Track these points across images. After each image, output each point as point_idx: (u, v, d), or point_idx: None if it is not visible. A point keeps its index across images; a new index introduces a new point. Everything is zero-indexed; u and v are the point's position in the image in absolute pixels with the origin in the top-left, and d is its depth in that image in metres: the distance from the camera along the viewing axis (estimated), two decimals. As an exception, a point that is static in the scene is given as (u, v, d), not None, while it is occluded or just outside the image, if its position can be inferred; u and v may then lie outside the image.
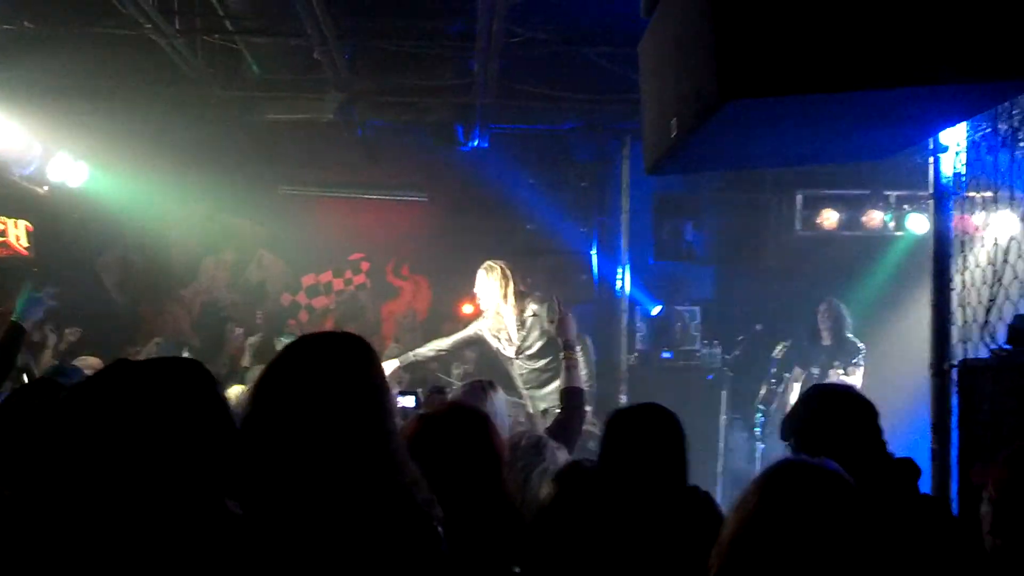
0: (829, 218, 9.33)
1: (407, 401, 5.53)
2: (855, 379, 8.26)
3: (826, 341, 8.63)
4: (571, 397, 4.97)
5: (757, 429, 8.78)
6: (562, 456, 3.77)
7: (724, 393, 9.27)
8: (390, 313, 10.89)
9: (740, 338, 9.37)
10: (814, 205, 9.40)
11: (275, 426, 2.26)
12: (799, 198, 9.44)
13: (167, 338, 9.32)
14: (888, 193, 9.22)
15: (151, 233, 10.34)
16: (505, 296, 6.89)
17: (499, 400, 4.71)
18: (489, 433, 3.13)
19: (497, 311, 6.95)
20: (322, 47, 6.77)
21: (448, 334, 7.37)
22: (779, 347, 8.79)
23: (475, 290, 6.95)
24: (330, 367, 2.37)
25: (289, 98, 8.23)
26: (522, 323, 6.89)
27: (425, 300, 11.03)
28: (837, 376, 8.24)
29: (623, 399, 9.23)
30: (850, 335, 8.58)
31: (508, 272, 6.90)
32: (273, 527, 2.17)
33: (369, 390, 2.39)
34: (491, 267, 6.92)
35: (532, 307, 6.88)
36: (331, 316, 10.68)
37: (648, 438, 3.12)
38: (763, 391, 8.78)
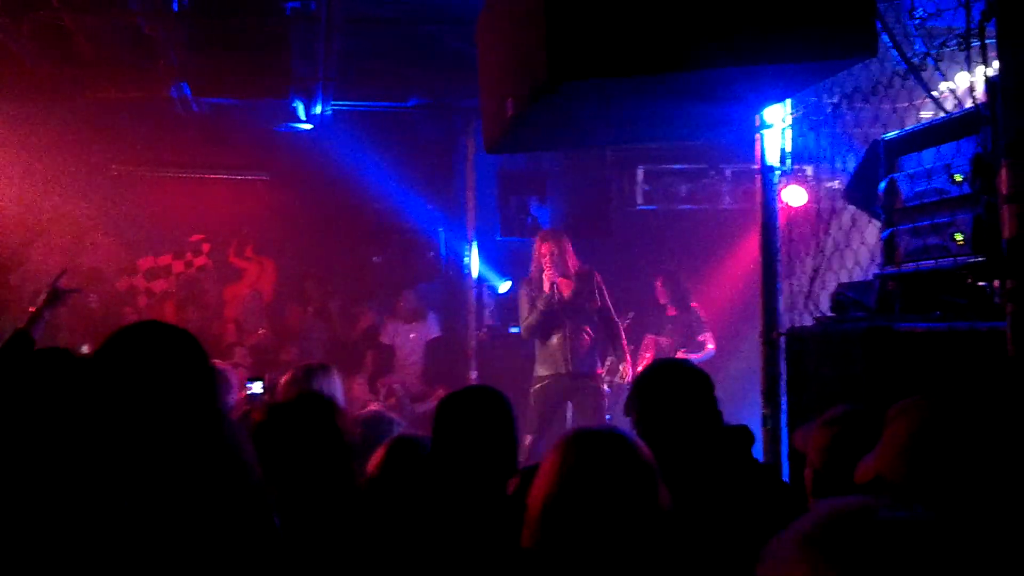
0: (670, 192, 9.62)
1: (255, 387, 5.46)
2: (706, 347, 8.60)
3: (670, 312, 8.92)
4: None
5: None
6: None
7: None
8: (234, 296, 10.65)
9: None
10: (655, 179, 9.65)
11: (99, 423, 2.25)
12: (640, 172, 9.67)
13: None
14: (724, 167, 9.54)
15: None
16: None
17: (336, 381, 4.71)
18: (335, 417, 3.13)
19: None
20: (153, 24, 6.57)
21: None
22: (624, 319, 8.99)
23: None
24: (149, 362, 2.35)
25: (122, 76, 7.96)
26: None
27: (271, 281, 10.83)
28: (685, 350, 8.55)
29: (473, 375, 9.31)
30: (694, 305, 8.89)
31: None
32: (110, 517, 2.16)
33: (189, 382, 2.38)
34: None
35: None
36: (171, 300, 10.38)
37: (476, 421, 3.16)
38: (608, 362, 8.96)
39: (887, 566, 1.18)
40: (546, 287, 7.48)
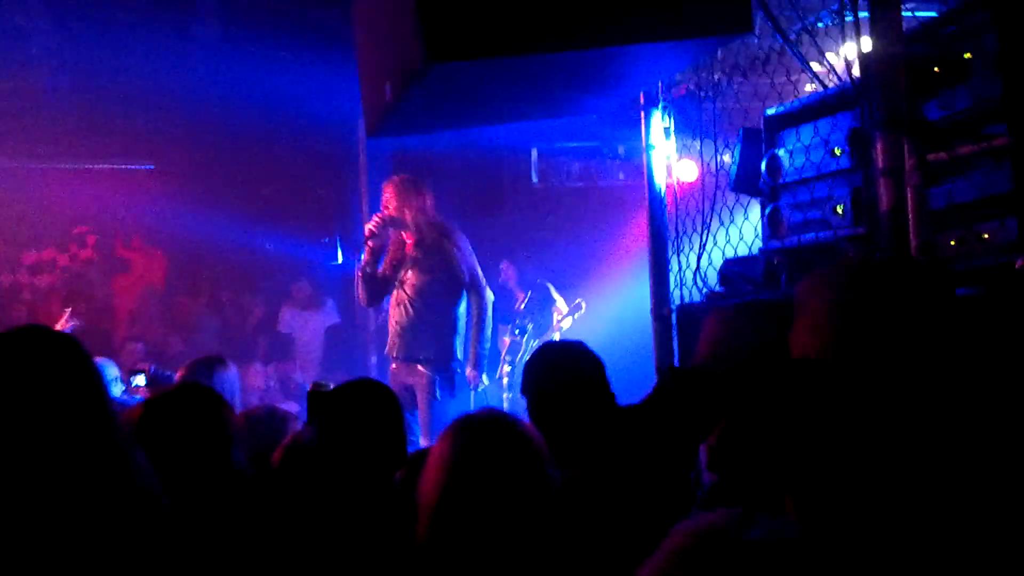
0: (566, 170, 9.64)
1: (138, 379, 5.33)
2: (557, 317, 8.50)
3: (519, 302, 8.79)
4: None
5: (506, 380, 8.96)
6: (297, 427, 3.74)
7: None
8: (123, 288, 10.38)
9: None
10: (549, 158, 9.65)
11: None
12: (534, 152, 9.66)
13: None
14: (617, 144, 9.58)
15: None
16: None
17: (229, 375, 4.59)
18: (219, 410, 3.04)
19: None
20: (25, 13, 6.31)
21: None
22: (524, 297, 8.99)
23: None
24: (25, 369, 2.25)
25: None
26: None
27: (160, 272, 10.58)
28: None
29: (373, 360, 9.22)
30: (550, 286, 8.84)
31: None
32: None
33: (70, 387, 2.29)
34: None
35: None
36: (58, 295, 10.05)
37: (360, 416, 3.11)
38: (508, 342, 8.96)
39: None
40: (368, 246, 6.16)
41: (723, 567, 1.16)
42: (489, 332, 6.25)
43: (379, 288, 6.26)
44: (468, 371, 6.15)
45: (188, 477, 2.84)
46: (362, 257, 6.19)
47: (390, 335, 6.25)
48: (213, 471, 2.91)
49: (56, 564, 2.09)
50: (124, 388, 5.34)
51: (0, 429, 2.17)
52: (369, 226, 6.13)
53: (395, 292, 6.18)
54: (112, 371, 5.18)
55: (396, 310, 6.19)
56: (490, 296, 6.28)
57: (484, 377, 6.21)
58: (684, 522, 1.26)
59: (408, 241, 6.13)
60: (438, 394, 6.01)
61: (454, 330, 6.15)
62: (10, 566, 2.07)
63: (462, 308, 6.17)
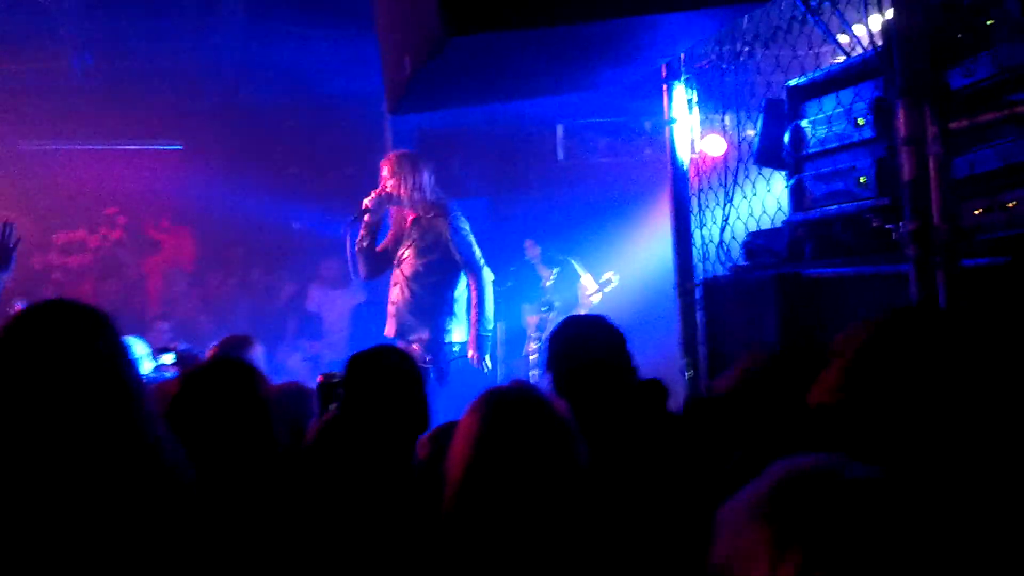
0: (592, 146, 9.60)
1: (166, 358, 5.38)
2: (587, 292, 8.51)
3: (545, 279, 8.81)
4: None
5: (533, 357, 8.97)
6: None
7: (500, 324, 9.41)
8: (153, 268, 10.46)
9: (512, 268, 9.51)
10: (574, 134, 9.60)
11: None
12: (560, 128, 9.62)
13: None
14: (643, 119, 9.52)
15: None
16: None
17: (259, 352, 4.65)
18: (255, 384, 3.07)
19: None
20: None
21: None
22: (551, 274, 8.98)
23: None
24: (52, 343, 2.28)
25: (19, 48, 7.70)
26: None
27: (190, 251, 10.65)
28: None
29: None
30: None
31: None
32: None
33: (97, 361, 2.31)
34: None
35: None
36: (89, 275, 10.16)
37: (383, 381, 3.13)
38: (537, 320, 8.96)
39: (856, 531, 1.13)
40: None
41: (831, 500, 1.16)
42: (490, 313, 6.04)
43: (378, 263, 6.12)
44: (470, 353, 5.98)
45: (228, 451, 2.87)
46: (358, 232, 6.05)
47: (387, 315, 6.15)
48: (253, 445, 2.94)
49: (79, 536, 2.12)
50: (155, 365, 5.40)
51: (23, 399, 2.20)
52: (365, 201, 5.99)
53: (393, 271, 6.07)
54: (142, 348, 5.23)
55: (393, 290, 6.09)
56: (489, 276, 6.09)
57: (488, 359, 6.03)
58: (782, 461, 1.25)
59: (408, 218, 6.02)
60: (431, 375, 5.72)
61: (450, 311, 6.00)
62: (31, 538, 2.10)
63: (459, 290, 6.03)
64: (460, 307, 6.03)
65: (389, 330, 6.08)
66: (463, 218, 6.02)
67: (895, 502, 1.17)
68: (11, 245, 5.00)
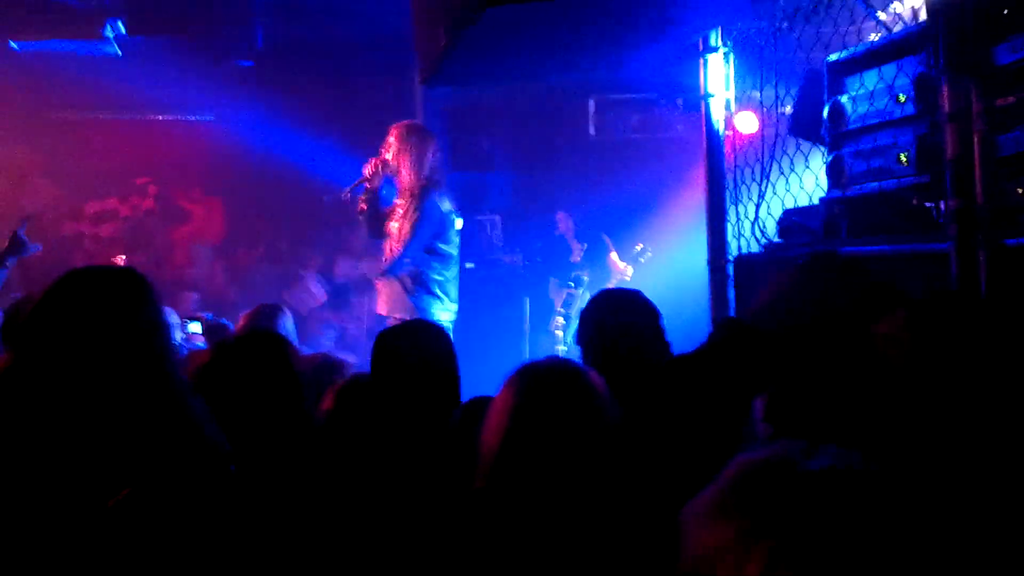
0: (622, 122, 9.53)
1: (193, 327, 5.40)
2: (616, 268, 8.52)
3: (575, 256, 8.79)
4: None
5: (560, 332, 8.95)
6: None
7: (527, 299, 9.39)
8: (182, 237, 10.51)
9: (538, 244, 9.49)
10: (605, 109, 9.53)
11: (47, 375, 2.18)
12: (591, 103, 9.55)
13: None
14: (676, 96, 9.43)
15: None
16: None
17: (289, 322, 4.64)
18: (288, 355, 3.06)
19: None
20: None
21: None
22: (580, 248, 8.96)
23: None
24: (97, 309, 2.28)
25: (52, 17, 7.72)
26: None
27: (219, 223, 10.69)
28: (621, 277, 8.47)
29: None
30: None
31: None
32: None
33: (140, 330, 2.32)
34: None
35: None
36: (119, 244, 10.22)
37: (417, 354, 3.11)
38: (564, 295, 8.94)
39: (816, 520, 1.13)
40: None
41: (782, 495, 1.15)
42: (454, 294, 5.93)
43: (383, 224, 6.00)
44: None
45: (261, 423, 2.87)
46: (359, 195, 5.96)
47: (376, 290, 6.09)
48: (286, 417, 2.93)
49: (121, 509, 2.12)
50: (184, 336, 5.42)
51: (70, 361, 2.20)
52: (367, 167, 5.90)
53: (384, 243, 5.97)
54: (171, 318, 5.25)
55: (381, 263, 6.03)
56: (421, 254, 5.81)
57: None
58: (739, 456, 1.25)
59: (404, 191, 5.91)
60: None
61: (429, 291, 5.82)
62: (72, 509, 2.10)
63: (446, 272, 5.89)
64: (447, 288, 5.90)
65: (378, 307, 6.00)
66: (446, 200, 5.89)
67: (852, 493, 1.16)
68: (25, 238, 5.06)
